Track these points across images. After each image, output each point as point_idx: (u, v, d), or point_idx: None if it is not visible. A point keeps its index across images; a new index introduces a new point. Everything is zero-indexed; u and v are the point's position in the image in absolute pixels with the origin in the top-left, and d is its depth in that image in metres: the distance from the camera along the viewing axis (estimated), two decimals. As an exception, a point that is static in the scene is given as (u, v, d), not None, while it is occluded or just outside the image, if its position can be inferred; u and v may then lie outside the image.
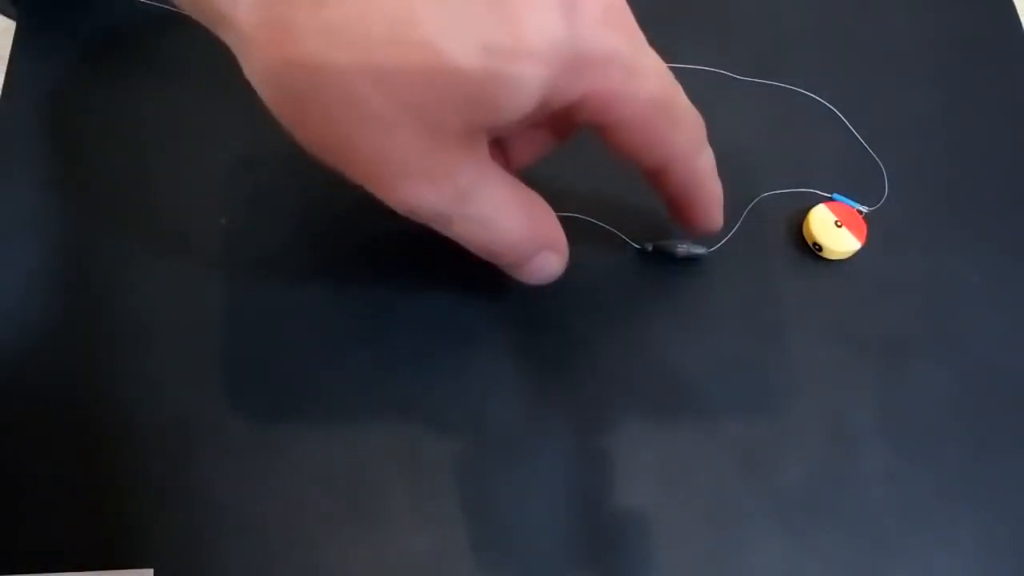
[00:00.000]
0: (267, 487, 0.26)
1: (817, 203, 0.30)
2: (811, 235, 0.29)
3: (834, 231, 0.29)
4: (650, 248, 0.29)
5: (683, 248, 0.29)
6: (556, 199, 0.30)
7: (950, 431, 0.27)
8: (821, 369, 0.28)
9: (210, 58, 0.32)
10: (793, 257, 0.29)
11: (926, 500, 0.26)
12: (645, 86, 0.20)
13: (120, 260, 0.29)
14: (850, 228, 0.29)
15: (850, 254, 0.29)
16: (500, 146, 0.24)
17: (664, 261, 0.29)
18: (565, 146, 0.31)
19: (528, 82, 0.18)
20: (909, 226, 0.30)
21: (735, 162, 0.31)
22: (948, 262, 0.30)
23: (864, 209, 0.30)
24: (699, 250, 0.29)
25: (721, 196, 0.26)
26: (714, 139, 0.31)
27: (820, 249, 0.29)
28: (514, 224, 0.22)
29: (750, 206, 0.30)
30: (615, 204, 0.30)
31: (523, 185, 0.22)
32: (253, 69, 0.19)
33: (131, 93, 0.32)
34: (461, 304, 0.28)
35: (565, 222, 0.29)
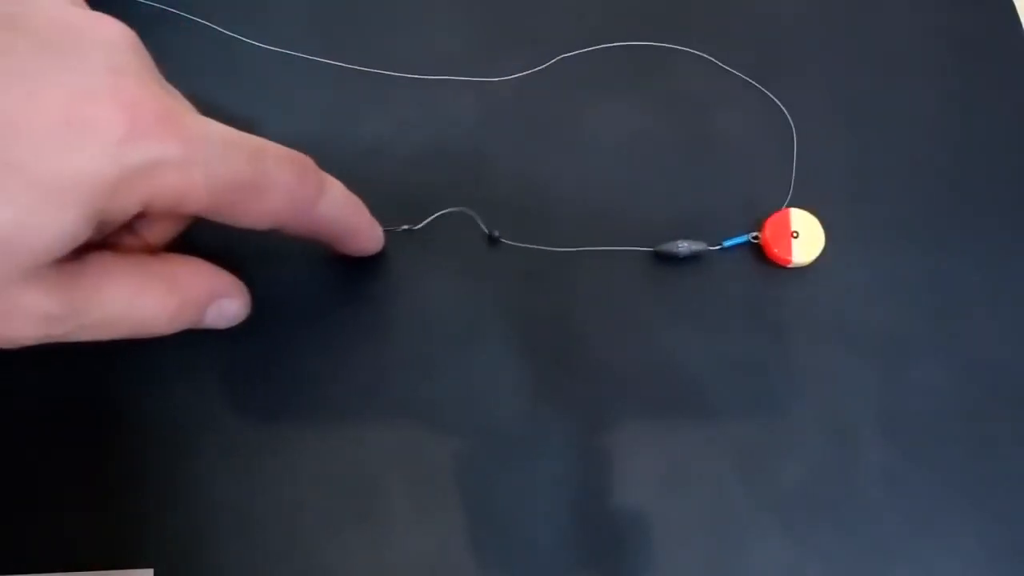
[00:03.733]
0: (267, 487, 0.26)
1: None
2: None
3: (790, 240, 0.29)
4: (651, 248, 0.29)
5: (684, 248, 0.29)
6: (557, 199, 0.30)
7: (950, 431, 0.27)
8: (821, 369, 0.28)
9: (210, 58, 0.32)
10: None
11: (926, 500, 0.26)
12: (211, 174, 0.20)
13: (120, 260, 0.29)
14: (806, 237, 0.29)
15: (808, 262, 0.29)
16: (133, 231, 0.23)
17: (665, 261, 0.29)
18: (568, 150, 0.31)
19: (58, 225, 0.18)
20: (909, 226, 0.30)
21: (734, 162, 0.31)
22: (948, 262, 0.30)
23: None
24: (699, 248, 0.29)
25: (362, 222, 0.25)
26: (716, 139, 0.31)
27: (796, 236, 0.29)
28: (152, 308, 0.21)
29: (750, 206, 0.30)
30: (615, 204, 0.30)
31: (160, 258, 0.22)
32: None
33: (131, 93, 0.32)
34: (461, 304, 0.28)
35: (565, 222, 0.29)
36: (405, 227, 0.29)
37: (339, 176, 0.30)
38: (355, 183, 0.30)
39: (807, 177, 0.30)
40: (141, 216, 0.20)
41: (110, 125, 0.18)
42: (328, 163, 0.30)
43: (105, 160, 0.18)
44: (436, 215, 0.29)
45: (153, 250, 0.23)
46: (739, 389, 0.28)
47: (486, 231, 0.29)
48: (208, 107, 0.32)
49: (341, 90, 0.31)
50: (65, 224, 0.18)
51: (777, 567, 0.26)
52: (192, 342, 0.28)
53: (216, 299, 0.24)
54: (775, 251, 0.29)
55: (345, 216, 0.25)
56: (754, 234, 0.29)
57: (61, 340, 0.21)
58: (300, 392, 0.27)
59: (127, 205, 0.19)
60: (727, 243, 0.29)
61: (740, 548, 0.26)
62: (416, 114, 0.31)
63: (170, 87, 0.22)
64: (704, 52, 0.32)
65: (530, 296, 0.29)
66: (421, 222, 0.29)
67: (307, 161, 0.23)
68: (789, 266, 0.29)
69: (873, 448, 0.27)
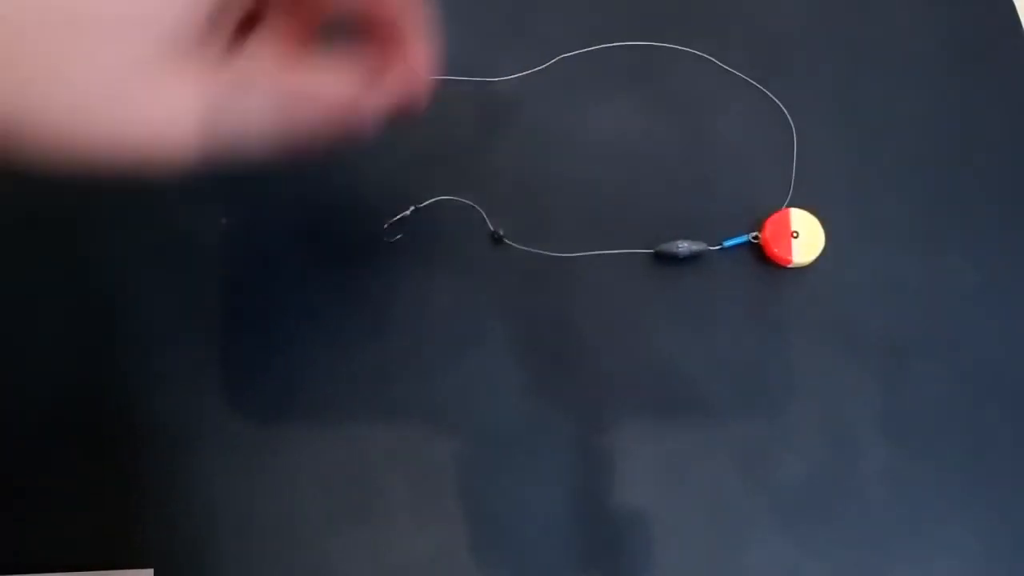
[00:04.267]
0: (267, 487, 0.26)
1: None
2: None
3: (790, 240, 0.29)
4: (651, 249, 0.29)
5: (684, 248, 0.29)
6: (557, 199, 0.30)
7: (950, 431, 0.27)
8: (821, 369, 0.28)
9: (210, 58, 0.32)
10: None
11: (925, 499, 0.26)
12: None
13: (120, 260, 0.29)
14: (806, 237, 0.29)
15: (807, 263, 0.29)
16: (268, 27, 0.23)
17: (665, 261, 0.29)
18: (568, 150, 0.31)
19: None
20: (909, 226, 0.30)
21: (734, 162, 0.31)
22: (948, 262, 0.30)
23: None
24: (700, 248, 0.29)
25: (426, 45, 0.24)
26: (716, 139, 0.31)
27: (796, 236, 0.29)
28: (312, 96, 0.22)
29: (750, 206, 0.30)
30: (615, 204, 0.30)
31: (295, 68, 0.22)
32: None
33: (131, 93, 0.32)
34: (461, 304, 0.28)
35: (565, 222, 0.29)
36: (412, 207, 0.29)
37: (339, 176, 0.30)
38: (355, 183, 0.30)
39: (807, 177, 0.30)
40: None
41: None
42: (327, 163, 0.31)
43: None
44: (439, 198, 0.28)
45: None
46: (739, 389, 0.28)
47: (491, 228, 0.29)
48: (208, 107, 0.32)
49: (341, 90, 0.31)
50: None
51: (777, 566, 0.26)
52: (192, 342, 0.28)
53: (364, 99, 0.23)
54: (775, 251, 0.29)
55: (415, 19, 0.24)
56: (754, 234, 0.29)
57: (206, 151, 0.21)
58: (300, 392, 0.27)
59: None
60: (727, 243, 0.29)
61: (740, 547, 0.26)
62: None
63: None
64: (704, 52, 0.32)
65: (530, 296, 0.29)
66: (409, 225, 0.29)
67: None
68: (789, 266, 0.29)
69: (873, 448, 0.27)
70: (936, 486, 0.27)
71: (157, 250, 0.29)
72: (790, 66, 0.32)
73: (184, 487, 0.26)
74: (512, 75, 0.31)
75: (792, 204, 0.30)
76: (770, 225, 0.29)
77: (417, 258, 0.29)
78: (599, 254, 0.29)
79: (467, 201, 0.29)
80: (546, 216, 0.29)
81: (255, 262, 0.29)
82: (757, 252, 0.29)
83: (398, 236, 0.29)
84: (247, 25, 0.22)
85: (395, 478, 0.26)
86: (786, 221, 0.29)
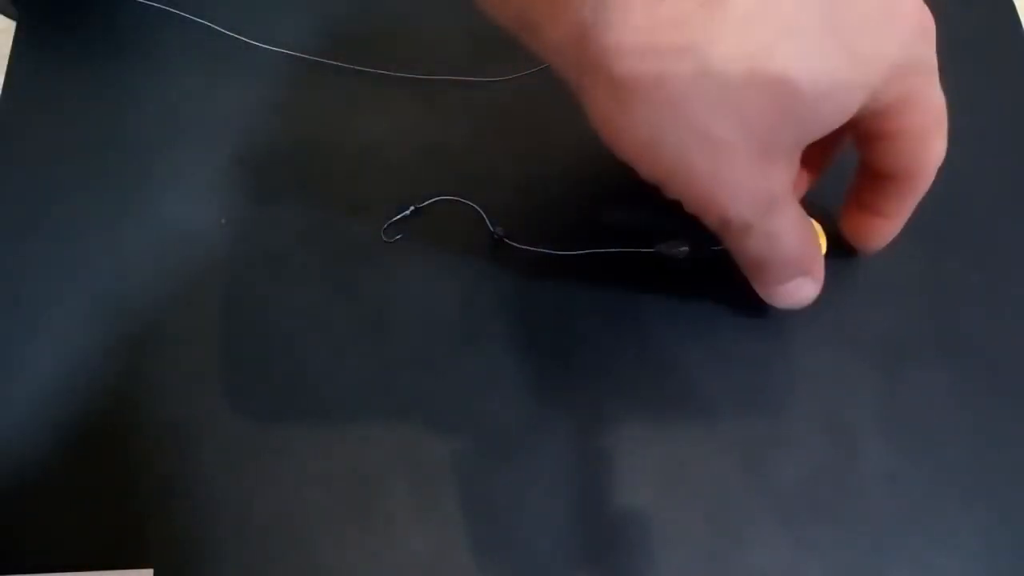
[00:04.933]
0: (267, 487, 0.26)
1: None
2: None
3: None
4: (651, 248, 0.29)
5: (684, 248, 0.29)
6: (557, 199, 0.30)
7: (950, 431, 0.27)
8: (821, 369, 0.28)
9: (210, 58, 0.32)
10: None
11: (926, 500, 0.26)
12: (936, 94, 0.22)
13: (120, 260, 0.29)
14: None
15: None
16: None
17: (664, 261, 0.29)
18: (570, 154, 0.31)
19: (855, 98, 0.20)
20: (908, 226, 0.30)
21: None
22: (948, 262, 0.30)
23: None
24: (699, 249, 0.29)
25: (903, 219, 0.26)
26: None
27: None
28: (794, 244, 0.23)
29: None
30: (615, 204, 0.30)
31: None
32: (612, 109, 0.20)
33: (131, 93, 0.32)
34: (461, 304, 0.28)
35: (565, 222, 0.29)
36: (412, 208, 0.29)
37: (339, 176, 0.30)
38: (355, 183, 0.30)
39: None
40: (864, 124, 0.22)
41: (912, 20, 0.21)
42: (328, 163, 0.31)
43: (898, 47, 0.20)
44: (438, 198, 0.29)
45: None
46: (739, 389, 0.28)
47: (491, 229, 0.29)
48: (208, 107, 0.32)
49: (341, 90, 0.31)
50: (857, 96, 0.20)
51: (777, 566, 0.26)
52: (192, 342, 0.28)
53: (809, 273, 0.25)
54: None
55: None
56: None
57: (733, 236, 0.23)
58: (300, 392, 0.27)
59: (887, 97, 0.21)
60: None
61: (740, 547, 0.26)
62: (416, 114, 0.31)
63: None
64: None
65: (530, 295, 0.29)
66: (409, 225, 0.29)
67: None
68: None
69: (873, 448, 0.27)
70: (936, 486, 0.27)
71: (157, 250, 0.29)
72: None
73: (184, 487, 0.26)
74: (512, 75, 0.31)
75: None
76: None
77: (417, 258, 0.29)
78: (599, 254, 0.29)
79: (467, 201, 0.29)
80: (546, 216, 0.30)
81: (255, 262, 0.29)
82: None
83: (398, 236, 0.29)
84: None
85: (395, 478, 0.26)
86: None
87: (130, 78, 0.32)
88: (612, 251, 0.29)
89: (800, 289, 0.25)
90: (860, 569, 0.26)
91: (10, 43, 0.33)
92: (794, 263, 0.24)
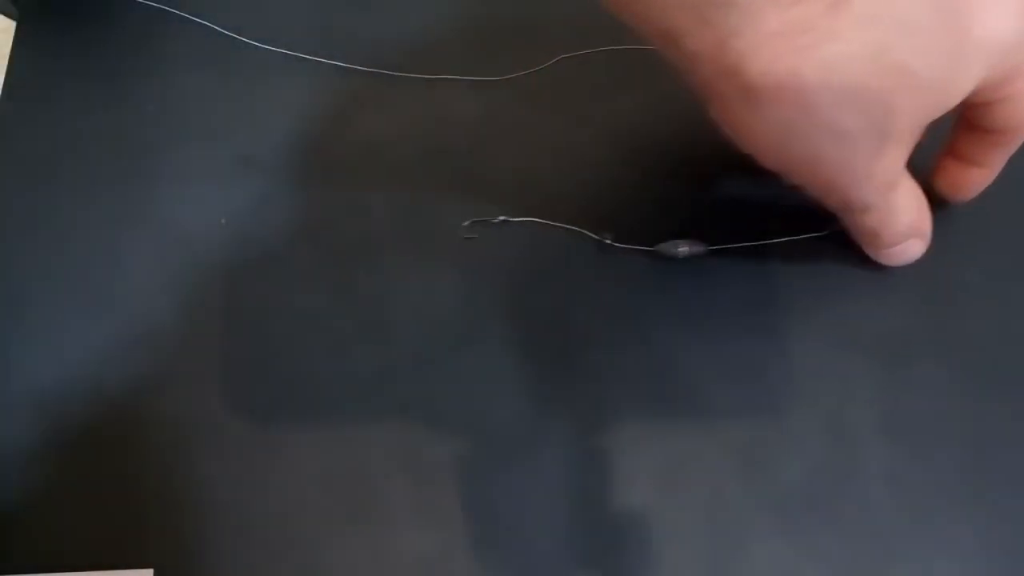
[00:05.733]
0: (267, 487, 0.26)
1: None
2: None
3: None
4: (650, 248, 0.29)
5: (683, 248, 0.29)
6: (557, 201, 0.30)
7: (950, 431, 0.27)
8: (821, 369, 0.28)
9: (210, 58, 0.32)
10: (794, 257, 0.29)
11: (926, 500, 0.26)
12: None
13: (120, 260, 0.29)
14: None
15: None
16: None
17: (664, 261, 0.29)
18: (570, 153, 0.31)
19: (971, 81, 0.22)
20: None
21: (730, 157, 0.31)
22: (948, 262, 0.30)
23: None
24: (699, 249, 0.29)
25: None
26: (706, 130, 0.31)
27: None
28: (909, 214, 0.26)
29: (748, 204, 0.30)
30: (615, 204, 0.30)
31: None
32: (745, 111, 0.22)
33: (131, 93, 0.32)
34: (461, 304, 0.28)
35: (564, 221, 0.29)
36: (501, 218, 0.29)
37: (339, 176, 0.30)
38: (355, 183, 0.30)
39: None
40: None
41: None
42: (328, 163, 0.31)
43: (1009, 28, 0.21)
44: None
45: None
46: (739, 389, 0.28)
47: (596, 237, 0.29)
48: (208, 107, 0.32)
49: (341, 90, 0.31)
50: (970, 81, 0.22)
51: (777, 567, 0.26)
52: (192, 342, 0.28)
53: (920, 235, 0.27)
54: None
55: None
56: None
57: (852, 213, 0.26)
58: (300, 392, 0.27)
59: (1001, 70, 0.22)
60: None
61: (740, 548, 0.26)
62: (416, 114, 0.31)
63: None
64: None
65: (530, 296, 0.29)
66: (409, 225, 0.29)
67: None
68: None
69: (873, 448, 0.27)
70: (936, 486, 0.27)
71: (157, 250, 0.29)
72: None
73: (184, 487, 0.26)
74: (512, 75, 0.31)
75: (793, 203, 0.30)
76: None
77: (416, 258, 0.29)
78: (599, 253, 0.29)
79: (467, 201, 0.29)
80: (545, 215, 0.29)
81: (255, 262, 0.29)
82: (757, 251, 0.29)
83: (473, 236, 0.29)
84: None
85: (395, 478, 0.26)
86: None
87: (130, 78, 0.32)
88: (611, 251, 0.29)
89: (909, 249, 0.27)
90: (860, 569, 0.26)
91: (10, 43, 0.33)
92: (907, 231, 0.26)
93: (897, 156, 0.23)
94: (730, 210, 0.30)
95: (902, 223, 0.26)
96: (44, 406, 0.27)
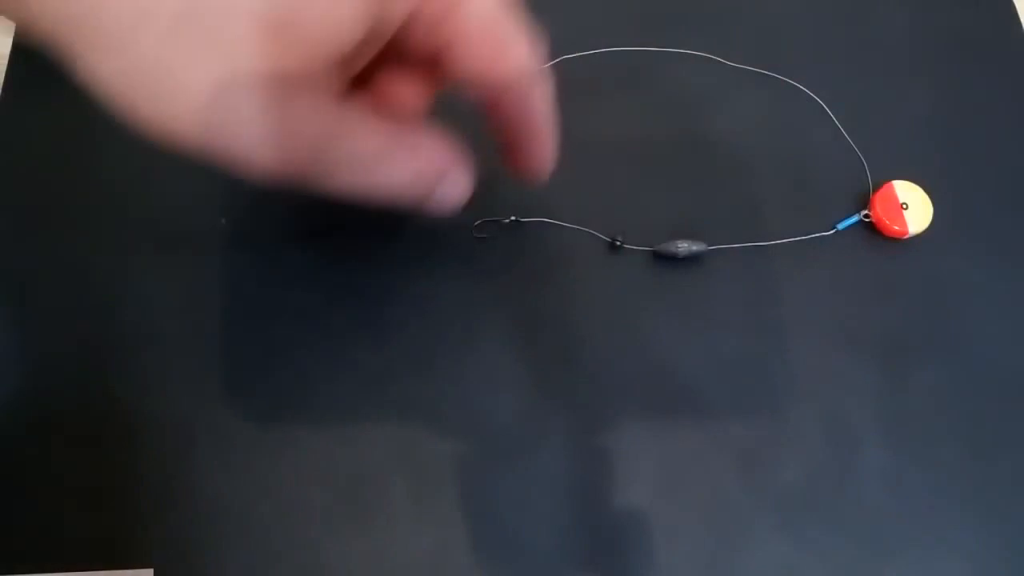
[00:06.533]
0: (267, 487, 0.26)
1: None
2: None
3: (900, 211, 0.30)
4: (650, 248, 0.29)
5: (683, 247, 0.29)
6: (556, 201, 0.30)
7: (950, 431, 0.27)
8: (821, 369, 0.28)
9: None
10: (795, 256, 0.29)
11: (926, 500, 0.26)
12: (473, 3, 0.21)
13: (120, 260, 0.29)
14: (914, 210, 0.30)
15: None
16: (378, 91, 0.24)
17: (664, 261, 0.29)
18: (569, 153, 0.31)
19: (347, 19, 0.19)
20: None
21: (731, 157, 0.31)
22: (948, 262, 0.30)
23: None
24: (699, 249, 0.29)
25: (553, 136, 0.25)
26: (707, 130, 0.31)
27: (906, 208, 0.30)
28: (398, 163, 0.22)
29: (748, 204, 0.30)
30: (615, 204, 0.30)
31: (404, 126, 0.23)
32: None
33: (131, 93, 0.32)
34: (461, 304, 0.28)
35: (564, 221, 0.29)
36: (512, 218, 0.29)
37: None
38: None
39: (802, 176, 0.30)
40: (405, 39, 0.21)
41: None
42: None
43: None
44: (537, 219, 0.29)
45: (401, 118, 0.23)
46: (739, 389, 0.28)
47: (606, 239, 0.29)
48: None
49: (341, 90, 0.31)
50: (356, 16, 0.19)
51: (777, 567, 0.26)
52: (192, 342, 0.28)
53: (449, 174, 0.24)
54: (887, 225, 0.29)
55: (545, 115, 0.25)
56: (864, 212, 0.30)
57: (304, 175, 0.21)
58: (300, 392, 0.27)
59: (400, 8, 0.20)
60: (840, 225, 0.29)
61: (740, 548, 0.26)
62: (416, 114, 0.31)
63: None
64: (707, 52, 0.32)
65: (530, 296, 0.29)
66: (410, 224, 0.29)
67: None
68: (905, 238, 0.29)
69: (873, 448, 0.27)
70: (936, 486, 0.27)
71: (157, 250, 0.29)
72: (786, 62, 0.32)
73: (184, 487, 0.26)
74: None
75: (794, 203, 0.30)
76: (879, 201, 0.30)
77: (415, 258, 0.29)
78: (598, 253, 0.29)
79: (470, 200, 0.29)
80: (544, 215, 0.29)
81: (255, 262, 0.29)
82: (757, 251, 0.29)
83: (484, 235, 0.29)
84: (366, 74, 0.23)
85: (395, 478, 0.26)
86: (893, 194, 0.30)
87: (130, 78, 0.32)
88: (612, 246, 0.29)
89: (446, 197, 0.24)
90: (860, 569, 0.26)
91: (10, 44, 0.33)
92: (414, 181, 0.23)
93: (296, 106, 0.20)
94: (730, 210, 0.30)
95: (395, 179, 0.22)
96: (44, 406, 0.27)
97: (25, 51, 0.33)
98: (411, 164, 0.23)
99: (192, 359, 0.27)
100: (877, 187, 0.30)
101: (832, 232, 0.30)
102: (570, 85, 0.32)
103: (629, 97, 0.31)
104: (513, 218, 0.29)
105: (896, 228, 0.29)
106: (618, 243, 0.29)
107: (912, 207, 0.29)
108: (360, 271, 0.29)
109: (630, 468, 0.27)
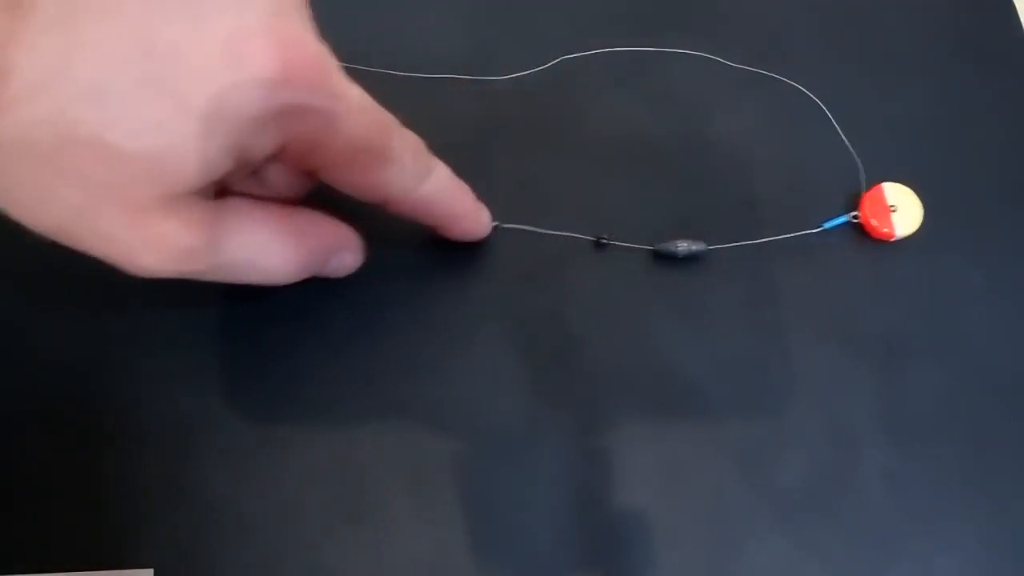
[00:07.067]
0: (267, 487, 0.26)
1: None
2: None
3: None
4: (650, 247, 0.29)
5: (683, 247, 0.29)
6: (556, 199, 0.30)
7: (950, 431, 0.27)
8: (821, 369, 0.28)
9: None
10: (793, 257, 0.29)
11: (926, 500, 0.26)
12: (344, 129, 0.21)
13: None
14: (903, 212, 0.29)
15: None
16: (262, 182, 0.24)
17: (664, 261, 0.29)
18: (570, 153, 0.31)
19: (204, 152, 0.19)
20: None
21: (730, 157, 0.31)
22: (948, 262, 0.30)
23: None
24: (699, 248, 0.29)
25: (467, 208, 0.27)
26: (706, 130, 0.31)
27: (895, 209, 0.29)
28: (281, 256, 0.23)
29: (748, 204, 0.30)
30: (615, 204, 0.30)
31: (290, 210, 0.23)
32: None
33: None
34: (460, 304, 0.28)
35: (563, 221, 0.29)
36: (495, 223, 0.29)
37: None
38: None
39: (799, 177, 0.30)
40: (275, 160, 0.22)
41: (266, 63, 0.19)
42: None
43: (256, 95, 0.19)
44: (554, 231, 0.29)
45: (283, 203, 0.24)
46: (738, 389, 0.28)
47: (593, 238, 0.29)
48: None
49: (341, 90, 0.31)
50: (210, 152, 0.19)
51: (777, 567, 0.26)
52: (192, 342, 0.28)
53: (337, 252, 0.25)
54: (876, 227, 0.29)
55: (449, 199, 0.26)
56: (853, 213, 0.29)
57: (192, 277, 0.21)
58: (300, 392, 0.27)
59: (266, 144, 0.20)
60: (827, 224, 0.29)
61: (740, 548, 0.26)
62: (416, 113, 0.31)
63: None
64: (706, 52, 0.32)
65: (529, 296, 0.29)
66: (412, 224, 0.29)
67: (420, 142, 0.24)
68: (892, 240, 0.29)
69: (873, 448, 0.27)
70: (936, 486, 0.27)
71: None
72: (784, 61, 0.32)
73: (184, 487, 0.26)
74: (512, 75, 0.31)
75: (794, 203, 0.30)
76: (867, 202, 0.29)
77: (415, 258, 0.29)
78: (597, 252, 0.29)
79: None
80: (544, 215, 0.29)
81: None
82: (757, 250, 0.29)
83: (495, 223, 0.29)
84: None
85: (395, 478, 0.26)
86: (882, 196, 0.30)
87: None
88: (611, 246, 0.29)
89: (338, 269, 0.25)
90: (860, 569, 0.26)
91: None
92: (301, 266, 0.24)
93: (170, 223, 0.20)
94: (730, 210, 0.30)
95: (281, 269, 0.23)
96: (44, 405, 0.27)
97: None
98: (300, 249, 0.23)
99: (191, 359, 0.27)
100: (870, 188, 0.30)
101: (819, 230, 0.29)
102: (569, 84, 0.32)
103: (626, 97, 0.31)
104: (496, 223, 0.29)
105: (884, 230, 0.29)
106: (604, 241, 0.29)
107: (901, 209, 0.29)
108: (360, 271, 0.29)
109: (630, 468, 0.27)
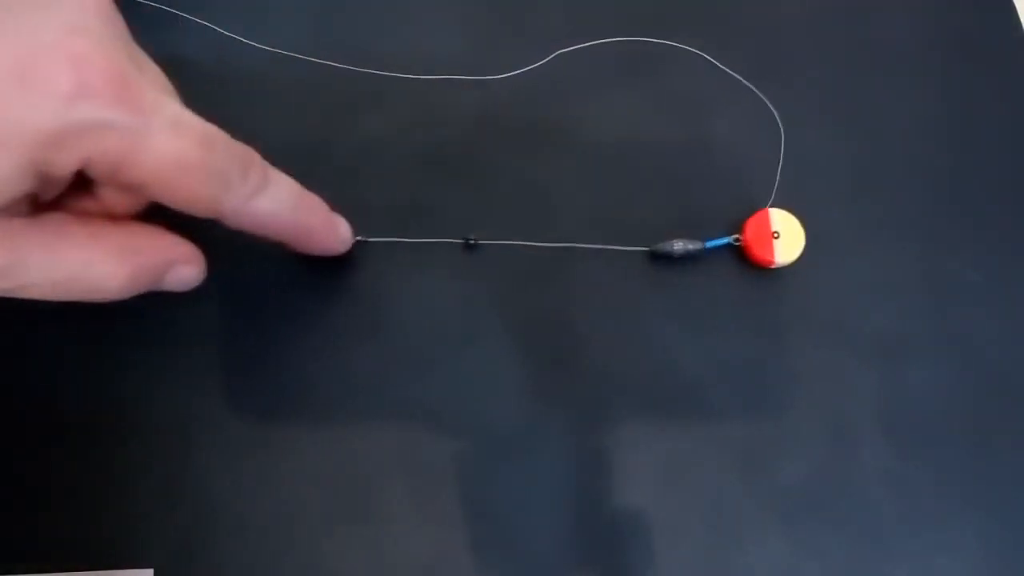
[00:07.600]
0: (267, 487, 0.26)
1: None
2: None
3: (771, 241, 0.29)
4: (646, 247, 0.29)
5: (679, 247, 0.29)
6: (554, 197, 0.30)
7: (950, 431, 0.27)
8: (821, 369, 0.28)
9: (210, 58, 0.32)
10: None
11: (926, 500, 0.26)
12: (155, 148, 0.20)
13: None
14: (787, 237, 0.29)
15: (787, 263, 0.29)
16: (95, 197, 0.23)
17: (663, 261, 0.29)
18: (563, 145, 0.31)
19: (12, 168, 0.18)
20: (906, 225, 0.30)
21: (724, 162, 0.31)
22: (947, 262, 0.30)
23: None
24: (695, 247, 0.29)
25: (316, 223, 0.26)
26: (710, 139, 0.31)
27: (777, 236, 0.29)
28: (105, 272, 0.22)
29: (737, 207, 0.30)
30: (612, 203, 0.30)
31: (119, 225, 0.23)
32: None
33: (131, 93, 0.32)
34: (458, 304, 0.28)
35: (561, 221, 0.29)
36: (471, 239, 0.29)
37: (337, 176, 0.30)
38: (353, 183, 0.30)
39: (794, 178, 0.30)
40: (83, 177, 0.21)
41: (58, 80, 0.18)
42: (327, 164, 0.31)
43: (48, 113, 0.18)
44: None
45: (115, 218, 0.23)
46: (737, 389, 0.28)
47: (462, 239, 0.29)
48: (207, 107, 0.32)
49: (340, 90, 0.31)
50: (3, 171, 0.18)
51: (777, 566, 0.26)
52: (192, 342, 0.28)
53: (173, 266, 0.24)
54: (756, 252, 0.28)
55: (292, 214, 0.25)
56: (735, 236, 0.29)
57: (6, 295, 0.21)
58: (300, 392, 0.27)
59: (66, 161, 0.19)
60: (709, 244, 0.29)
61: (739, 548, 0.26)
62: (414, 113, 0.31)
63: (142, 59, 0.22)
64: (699, 49, 0.32)
65: (527, 296, 0.29)
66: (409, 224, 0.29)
67: (253, 155, 0.23)
68: (772, 267, 0.29)
69: (873, 448, 0.27)
70: (936, 486, 0.27)
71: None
72: (786, 67, 0.32)
73: (184, 487, 0.26)
74: (509, 72, 0.31)
75: (776, 204, 0.30)
76: (750, 226, 0.29)
77: (415, 258, 0.29)
78: (595, 252, 0.29)
79: (466, 200, 0.29)
80: (542, 214, 0.29)
81: (254, 262, 0.29)
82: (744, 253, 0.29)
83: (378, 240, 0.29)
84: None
85: (395, 478, 0.26)
86: (766, 222, 0.29)
87: (130, 78, 0.32)
88: (608, 249, 0.29)
89: (178, 282, 0.24)
90: (859, 568, 0.26)
91: None
92: (133, 280, 0.23)
93: None
94: (719, 210, 0.30)
95: (111, 282, 0.22)
96: (44, 405, 0.27)
97: None
98: (127, 264, 0.23)
99: (192, 359, 0.27)
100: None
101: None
102: (567, 80, 0.32)
103: (623, 93, 0.31)
104: (471, 239, 0.29)
105: (766, 257, 0.28)
106: (471, 241, 0.29)
107: (784, 236, 0.29)
108: (359, 271, 0.29)
109: (630, 468, 0.27)
